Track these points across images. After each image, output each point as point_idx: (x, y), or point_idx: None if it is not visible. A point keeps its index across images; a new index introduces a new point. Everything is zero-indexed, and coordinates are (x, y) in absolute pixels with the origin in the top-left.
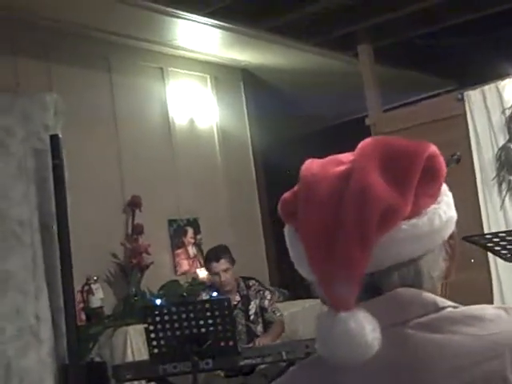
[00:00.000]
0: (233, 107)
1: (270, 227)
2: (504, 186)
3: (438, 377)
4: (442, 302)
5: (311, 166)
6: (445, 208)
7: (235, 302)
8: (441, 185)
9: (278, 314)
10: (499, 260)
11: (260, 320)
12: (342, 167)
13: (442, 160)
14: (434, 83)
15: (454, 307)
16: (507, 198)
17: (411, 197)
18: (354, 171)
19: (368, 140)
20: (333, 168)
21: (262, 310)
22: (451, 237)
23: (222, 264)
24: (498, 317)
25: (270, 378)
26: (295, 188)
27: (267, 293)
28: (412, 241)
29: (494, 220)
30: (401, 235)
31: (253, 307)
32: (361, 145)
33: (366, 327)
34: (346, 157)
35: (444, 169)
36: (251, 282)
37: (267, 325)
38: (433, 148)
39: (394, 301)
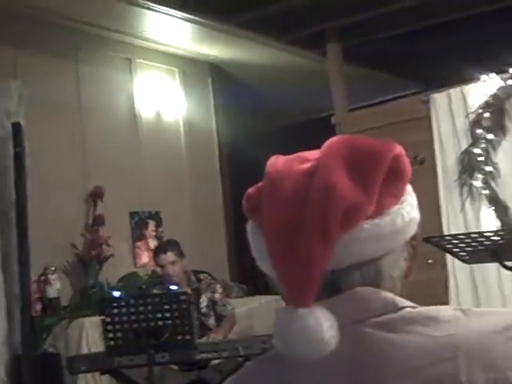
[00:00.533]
0: (200, 101)
1: (233, 222)
2: (465, 189)
3: (392, 376)
4: (402, 301)
5: (276, 162)
6: (408, 208)
7: None
8: (405, 185)
9: (229, 308)
10: (457, 261)
11: (212, 313)
12: (308, 165)
13: (407, 161)
14: (401, 85)
15: (413, 307)
16: (467, 202)
17: (375, 196)
18: (318, 169)
19: (335, 138)
20: (298, 165)
21: (213, 303)
22: (414, 237)
23: (169, 257)
24: (456, 318)
25: (225, 373)
26: (260, 184)
27: (218, 286)
28: (373, 240)
29: (453, 222)
30: (362, 234)
31: (204, 300)
32: (327, 143)
33: (323, 324)
34: (312, 154)
35: (409, 169)
36: (202, 276)
37: (219, 318)
38: (399, 148)
39: (354, 299)
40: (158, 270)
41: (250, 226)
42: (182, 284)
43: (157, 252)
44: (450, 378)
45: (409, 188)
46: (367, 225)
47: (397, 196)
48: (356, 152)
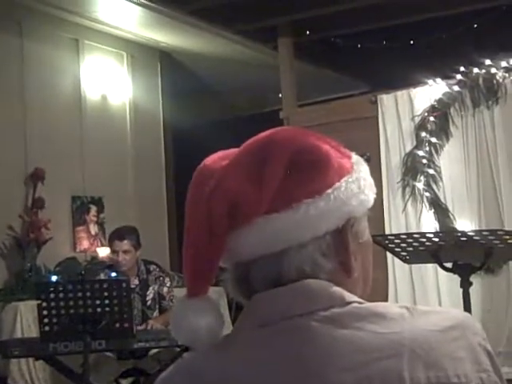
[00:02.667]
0: (148, 87)
1: (175, 210)
2: (408, 190)
3: (335, 371)
4: (349, 296)
5: (211, 157)
6: (321, 203)
7: (133, 286)
8: (323, 178)
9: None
10: (397, 261)
11: (157, 307)
12: (226, 161)
13: (319, 153)
14: (350, 84)
15: (360, 303)
16: (409, 203)
17: (270, 191)
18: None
19: (261, 133)
20: (221, 162)
21: (159, 296)
22: (338, 231)
23: (125, 245)
24: (401, 316)
25: (163, 362)
26: None
27: (167, 280)
28: (271, 235)
29: (395, 222)
30: (257, 229)
31: (151, 293)
32: (251, 139)
33: (203, 314)
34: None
35: (327, 162)
36: (152, 267)
37: (163, 312)
38: (308, 141)
39: (300, 291)
40: (109, 256)
41: None
42: (131, 274)
43: (113, 236)
44: (394, 374)
45: (342, 183)
46: (261, 220)
47: (308, 189)
48: (262, 147)
